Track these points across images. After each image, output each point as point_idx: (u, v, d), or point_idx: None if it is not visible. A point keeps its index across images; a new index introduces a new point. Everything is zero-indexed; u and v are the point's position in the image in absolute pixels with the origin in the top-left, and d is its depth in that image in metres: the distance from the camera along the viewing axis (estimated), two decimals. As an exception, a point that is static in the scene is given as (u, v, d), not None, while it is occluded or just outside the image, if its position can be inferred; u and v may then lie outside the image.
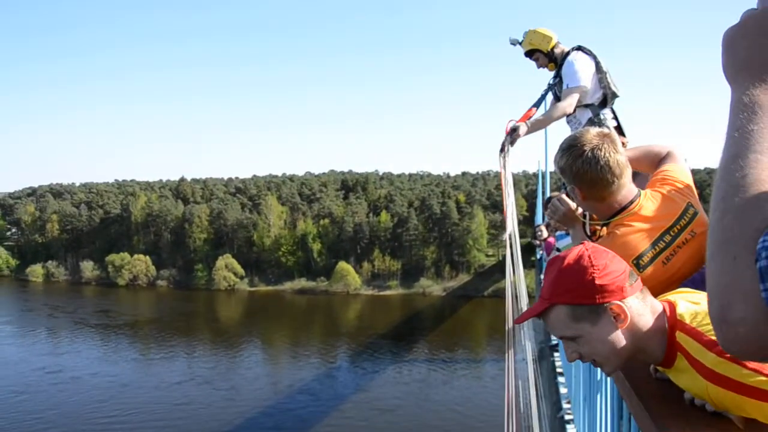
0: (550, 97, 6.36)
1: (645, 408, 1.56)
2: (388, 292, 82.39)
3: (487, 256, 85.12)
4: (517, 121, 5.46)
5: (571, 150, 2.44)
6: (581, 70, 5.50)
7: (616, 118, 5.73)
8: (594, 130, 2.49)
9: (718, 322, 0.84)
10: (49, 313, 68.49)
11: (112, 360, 49.71)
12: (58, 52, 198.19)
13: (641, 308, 1.61)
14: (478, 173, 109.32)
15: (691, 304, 1.61)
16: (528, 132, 5.40)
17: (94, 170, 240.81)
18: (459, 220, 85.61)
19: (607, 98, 5.61)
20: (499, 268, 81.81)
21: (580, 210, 2.72)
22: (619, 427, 2.40)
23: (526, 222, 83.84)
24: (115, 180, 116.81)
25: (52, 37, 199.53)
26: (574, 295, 1.61)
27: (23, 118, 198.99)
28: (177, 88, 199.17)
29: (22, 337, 57.84)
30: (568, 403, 5.99)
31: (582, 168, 2.40)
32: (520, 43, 5.98)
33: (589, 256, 1.62)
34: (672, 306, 1.63)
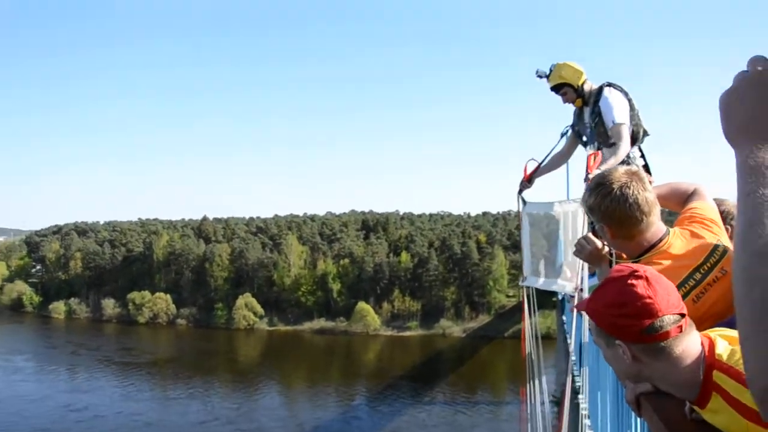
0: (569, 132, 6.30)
1: None
2: (407, 333, 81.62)
3: (508, 296, 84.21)
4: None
5: (600, 188, 2.44)
6: (620, 106, 5.41)
7: (643, 156, 5.66)
8: (622, 168, 2.51)
9: (763, 401, 0.81)
10: (72, 351, 68.75)
11: (135, 398, 49.64)
12: (83, 93, 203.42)
13: (668, 351, 1.60)
14: (498, 213, 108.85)
15: (729, 343, 1.59)
16: None
17: (118, 209, 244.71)
18: (479, 260, 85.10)
19: (637, 136, 5.54)
20: (520, 310, 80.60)
21: (606, 249, 2.70)
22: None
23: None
24: (139, 218, 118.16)
25: (77, 80, 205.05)
26: (596, 316, 1.71)
27: (50, 159, 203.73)
28: (199, 128, 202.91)
29: (46, 374, 58.06)
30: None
31: (611, 206, 2.40)
32: (548, 76, 5.87)
33: (628, 291, 1.62)
34: (711, 344, 1.60)
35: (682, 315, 1.62)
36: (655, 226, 2.46)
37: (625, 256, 2.61)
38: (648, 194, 2.41)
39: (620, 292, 1.62)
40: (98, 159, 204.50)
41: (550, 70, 5.84)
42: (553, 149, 6.31)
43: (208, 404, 48.35)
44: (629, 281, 1.62)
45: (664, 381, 1.66)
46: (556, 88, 5.87)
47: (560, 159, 6.43)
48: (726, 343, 1.59)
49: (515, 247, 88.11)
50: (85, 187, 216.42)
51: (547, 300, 76.14)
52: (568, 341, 16.81)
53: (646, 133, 5.59)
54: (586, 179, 5.71)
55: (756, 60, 0.92)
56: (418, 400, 49.89)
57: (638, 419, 2.86)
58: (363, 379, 57.86)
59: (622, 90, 5.55)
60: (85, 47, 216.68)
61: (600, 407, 5.72)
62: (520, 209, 6.97)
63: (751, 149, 0.88)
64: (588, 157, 5.77)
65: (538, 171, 6.36)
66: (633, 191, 2.38)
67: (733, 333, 1.60)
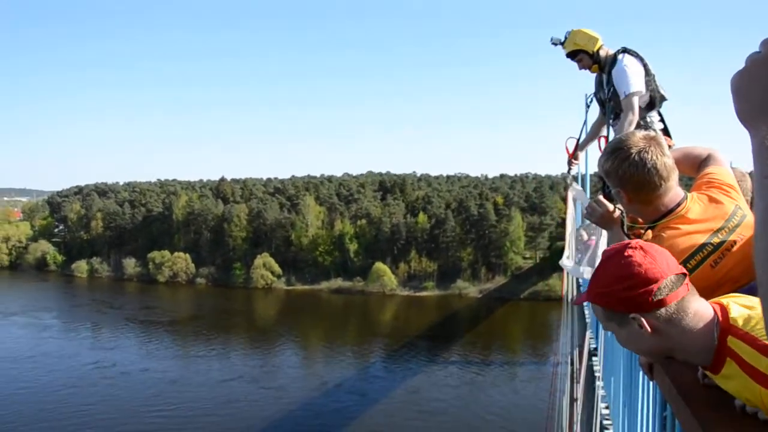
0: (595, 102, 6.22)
1: (693, 414, 1.47)
2: (424, 293, 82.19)
3: (524, 258, 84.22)
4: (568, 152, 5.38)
5: (617, 153, 2.41)
6: (634, 74, 5.34)
7: (662, 120, 5.56)
8: (640, 133, 2.47)
9: None
10: (97, 309, 69.99)
11: (159, 356, 50.43)
12: (105, 57, 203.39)
13: (681, 314, 1.58)
14: (516, 175, 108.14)
15: (744, 309, 1.57)
16: None
17: (138, 170, 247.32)
18: (496, 222, 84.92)
19: (654, 101, 5.45)
20: (536, 271, 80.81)
21: (618, 212, 2.68)
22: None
23: (565, 225, 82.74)
24: (158, 179, 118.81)
25: (98, 44, 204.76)
26: (604, 300, 1.67)
27: (72, 121, 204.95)
28: (218, 91, 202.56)
29: (73, 332, 59.05)
30: (607, 408, 5.91)
31: (628, 171, 2.37)
32: (563, 43, 5.77)
33: (628, 263, 1.61)
34: (724, 310, 1.59)
35: (684, 274, 1.62)
36: (673, 191, 2.42)
37: (641, 220, 2.59)
38: (666, 159, 2.37)
39: (620, 266, 1.61)
40: (118, 121, 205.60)
41: (566, 37, 5.75)
42: (585, 121, 6.25)
43: (230, 362, 49.12)
44: (625, 253, 1.62)
45: (681, 350, 1.64)
46: (571, 55, 5.79)
47: (598, 128, 6.35)
48: (741, 308, 1.57)
49: (533, 209, 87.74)
50: (105, 148, 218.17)
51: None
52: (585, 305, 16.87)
53: (663, 98, 5.50)
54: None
55: None
56: (435, 360, 50.41)
57: (650, 383, 2.87)
58: (381, 338, 58.41)
59: (637, 55, 5.44)
60: (110, 9, 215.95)
61: (613, 370, 5.77)
62: (569, 189, 6.92)
63: (767, 130, 0.86)
64: (599, 140, 5.76)
65: (580, 145, 6.33)
66: (651, 156, 2.34)
67: (748, 300, 1.61)
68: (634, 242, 1.65)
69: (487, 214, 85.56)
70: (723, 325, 1.55)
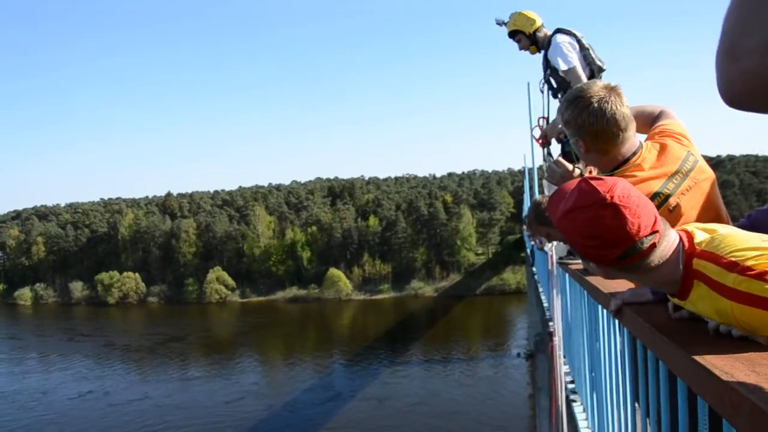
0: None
1: (671, 341, 1.49)
2: (380, 296, 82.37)
3: (477, 254, 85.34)
4: (538, 141, 5.61)
5: (577, 102, 2.42)
6: (569, 51, 5.54)
7: None
8: (600, 83, 2.51)
9: (723, 61, 0.78)
10: (67, 337, 66.08)
11: (152, 381, 47.35)
12: (38, 74, 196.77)
13: (645, 265, 1.58)
14: (464, 173, 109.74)
15: (706, 233, 1.59)
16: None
17: (79, 190, 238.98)
18: (447, 220, 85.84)
19: (594, 74, 5.63)
20: (489, 266, 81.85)
21: (577, 171, 2.76)
22: (635, 378, 2.42)
23: (514, 219, 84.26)
24: (101, 199, 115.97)
25: (32, 55, 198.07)
26: (568, 238, 1.63)
27: (4, 141, 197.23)
28: (158, 102, 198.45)
29: (46, 365, 54.82)
30: (572, 382, 6.04)
31: (588, 120, 2.39)
32: (506, 24, 6.04)
33: (599, 223, 1.54)
34: (689, 235, 1.60)
35: (655, 231, 1.54)
36: (630, 141, 2.47)
37: (595, 171, 2.68)
38: (625, 110, 2.41)
39: (590, 224, 1.54)
40: (56, 142, 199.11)
41: (509, 18, 6.03)
42: (546, 105, 6.33)
43: (230, 381, 46.49)
44: (599, 212, 1.53)
45: (643, 283, 1.74)
46: (511, 35, 6.09)
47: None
48: (704, 233, 1.60)
49: (482, 205, 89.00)
50: (43, 170, 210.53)
51: (515, 256, 76.95)
52: (540, 290, 17.13)
53: (601, 69, 5.71)
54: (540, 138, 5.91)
55: None
56: (397, 361, 49.59)
57: (613, 342, 2.98)
58: (342, 344, 57.15)
59: (570, 33, 5.70)
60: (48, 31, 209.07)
61: (576, 346, 5.92)
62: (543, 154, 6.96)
63: None
64: (538, 120, 5.98)
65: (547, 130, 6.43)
66: (611, 106, 2.37)
67: (711, 225, 1.66)
68: (608, 197, 1.53)
69: (437, 213, 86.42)
70: (688, 250, 1.55)
